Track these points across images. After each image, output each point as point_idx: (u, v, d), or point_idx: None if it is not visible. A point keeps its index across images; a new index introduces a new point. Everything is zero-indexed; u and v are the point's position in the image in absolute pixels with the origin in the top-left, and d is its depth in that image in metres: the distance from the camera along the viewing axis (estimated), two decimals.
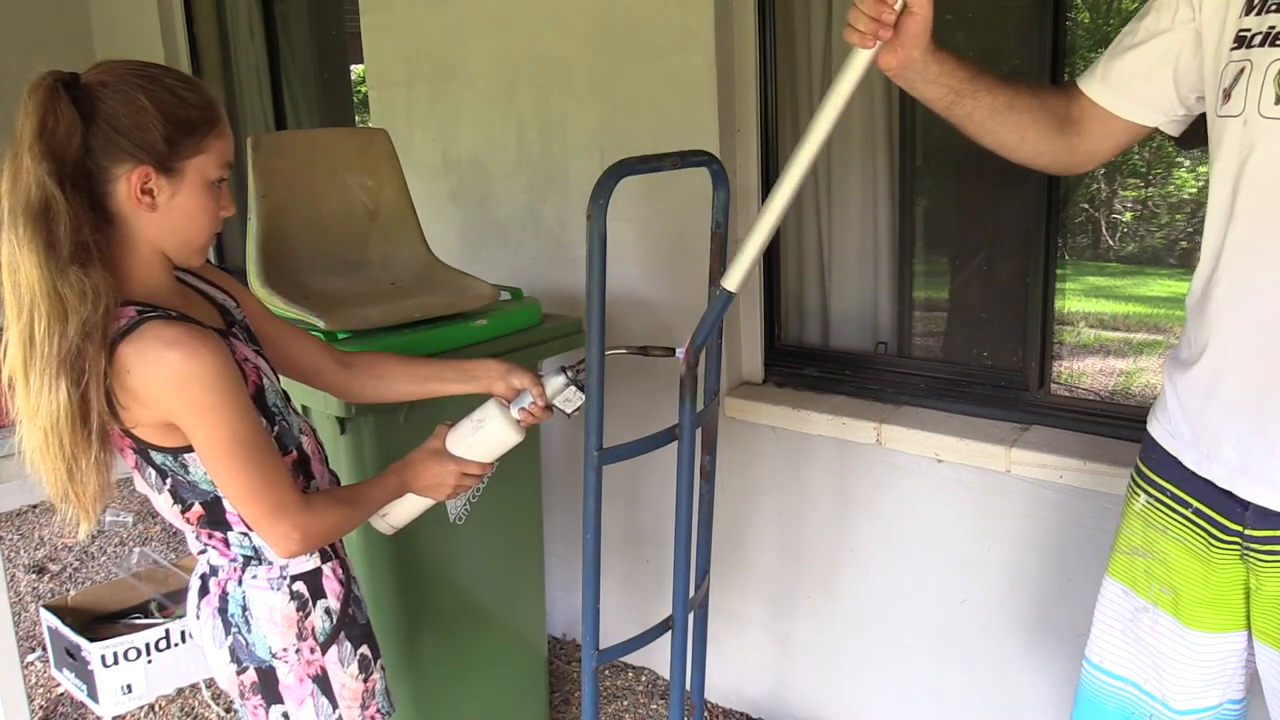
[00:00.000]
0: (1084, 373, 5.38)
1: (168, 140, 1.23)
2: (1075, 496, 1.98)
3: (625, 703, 2.72)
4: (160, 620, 2.83)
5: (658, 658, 2.72)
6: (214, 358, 1.23)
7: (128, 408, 1.23)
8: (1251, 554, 1.25)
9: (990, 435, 2.11)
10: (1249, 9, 1.19)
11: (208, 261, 1.45)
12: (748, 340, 2.53)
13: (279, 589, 1.41)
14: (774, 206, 1.33)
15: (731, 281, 1.41)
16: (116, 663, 2.67)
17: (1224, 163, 1.21)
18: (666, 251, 2.48)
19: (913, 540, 2.25)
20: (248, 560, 1.40)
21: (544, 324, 2.20)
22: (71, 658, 2.74)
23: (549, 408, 1.56)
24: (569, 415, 1.58)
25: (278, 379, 1.46)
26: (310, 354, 1.58)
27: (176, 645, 2.77)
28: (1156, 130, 1.39)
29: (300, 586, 1.42)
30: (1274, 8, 1.16)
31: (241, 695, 1.45)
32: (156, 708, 2.78)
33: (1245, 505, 1.23)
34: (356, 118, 4.50)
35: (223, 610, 1.42)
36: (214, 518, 1.36)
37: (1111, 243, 7.37)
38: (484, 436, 1.54)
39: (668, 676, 1.70)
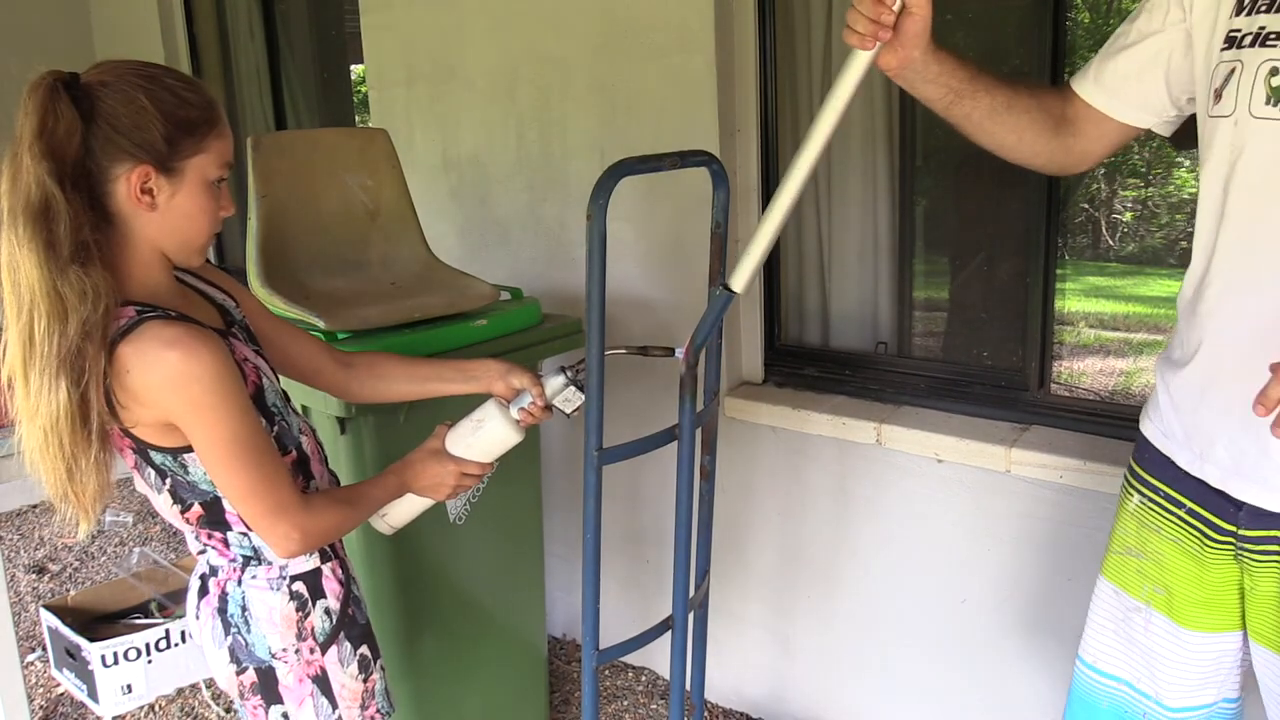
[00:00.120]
0: (1084, 373, 5.38)
1: (168, 140, 1.23)
2: (1075, 496, 1.98)
3: (625, 703, 2.72)
4: (160, 620, 2.83)
5: (658, 658, 2.72)
6: (213, 358, 1.23)
7: (127, 407, 1.23)
8: (1245, 554, 1.25)
9: (990, 435, 2.11)
10: (1239, 10, 1.19)
11: (207, 261, 1.45)
12: (748, 340, 2.53)
13: (278, 589, 1.41)
14: (778, 208, 1.33)
15: (737, 282, 1.41)
16: (116, 663, 2.67)
17: (1215, 163, 1.22)
18: (666, 251, 2.48)
19: (913, 540, 2.25)
20: (247, 560, 1.40)
21: (544, 324, 2.20)
22: (71, 658, 2.74)
23: (548, 408, 1.56)
24: (568, 415, 1.58)
25: (277, 379, 1.46)
26: (310, 354, 1.58)
27: (176, 645, 2.77)
28: (1149, 131, 1.39)
29: (300, 587, 1.42)
30: (1264, 8, 1.16)
31: (241, 695, 1.45)
32: (156, 708, 2.78)
33: (1238, 505, 1.24)
34: (356, 118, 4.50)
35: (222, 610, 1.41)
36: (213, 518, 1.36)
37: (1111, 243, 7.37)
38: (483, 436, 1.54)
39: (668, 676, 1.70)
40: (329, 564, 1.46)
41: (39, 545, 3.86)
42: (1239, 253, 1.20)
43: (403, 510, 1.58)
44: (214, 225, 1.33)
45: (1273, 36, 1.14)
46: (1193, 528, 1.31)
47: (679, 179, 2.17)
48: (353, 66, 4.42)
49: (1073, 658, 1.51)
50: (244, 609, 1.41)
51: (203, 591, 1.44)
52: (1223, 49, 1.20)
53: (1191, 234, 1.28)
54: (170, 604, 2.92)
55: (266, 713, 1.45)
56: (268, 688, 1.43)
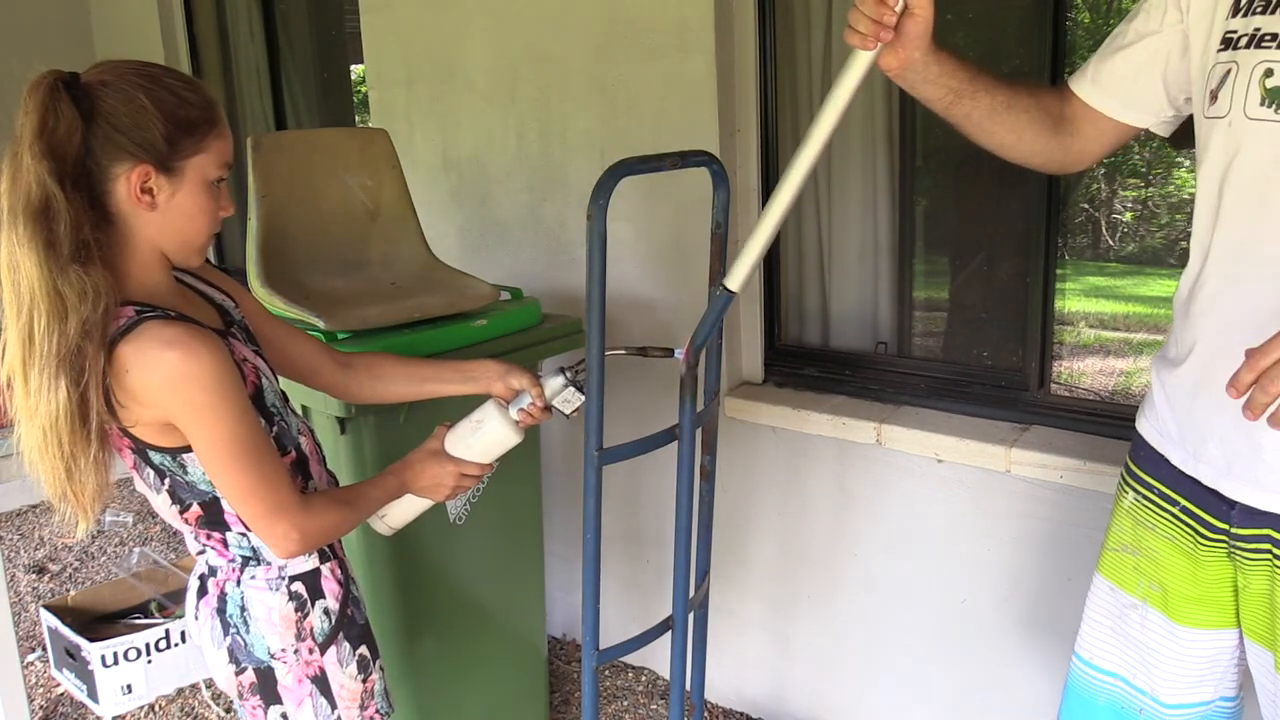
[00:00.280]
0: (1084, 373, 5.38)
1: (168, 139, 1.24)
2: (1075, 496, 1.98)
3: (625, 703, 2.72)
4: (160, 620, 2.83)
5: (658, 658, 2.72)
6: (212, 358, 1.23)
7: (126, 407, 1.23)
8: (1238, 552, 1.26)
9: (990, 435, 2.11)
10: (1235, 11, 1.20)
11: (207, 261, 1.45)
12: (748, 340, 2.53)
13: (277, 589, 1.41)
14: (776, 207, 1.33)
15: (734, 281, 1.41)
16: (116, 663, 2.67)
17: (1211, 164, 1.22)
18: (666, 251, 2.48)
19: (913, 540, 2.25)
20: (246, 561, 1.40)
21: (544, 324, 2.20)
22: (71, 658, 2.74)
23: (548, 408, 1.56)
24: (568, 416, 1.58)
25: (276, 379, 1.46)
26: (309, 354, 1.58)
27: (176, 645, 2.77)
28: (1148, 131, 1.40)
29: (299, 587, 1.42)
30: (1259, 10, 1.17)
31: (240, 696, 1.45)
32: (156, 708, 2.78)
33: (1231, 504, 1.24)
34: (356, 118, 4.50)
35: (221, 611, 1.41)
36: (212, 518, 1.36)
37: (1111, 243, 7.37)
38: (483, 437, 1.54)
39: (668, 676, 1.70)
40: (328, 564, 1.46)
41: (39, 545, 3.86)
42: (1233, 252, 1.21)
43: (402, 511, 1.58)
44: (213, 225, 1.33)
45: (1268, 38, 1.15)
46: (1187, 525, 1.31)
47: (679, 179, 2.17)
48: (353, 66, 4.42)
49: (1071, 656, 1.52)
50: (243, 609, 1.41)
51: (201, 592, 1.44)
52: (1219, 50, 1.20)
53: (1190, 234, 1.29)
54: (170, 604, 2.92)
55: (265, 713, 1.44)
56: (266, 688, 1.43)
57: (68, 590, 3.35)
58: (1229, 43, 1.19)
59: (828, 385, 2.43)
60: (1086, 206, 6.71)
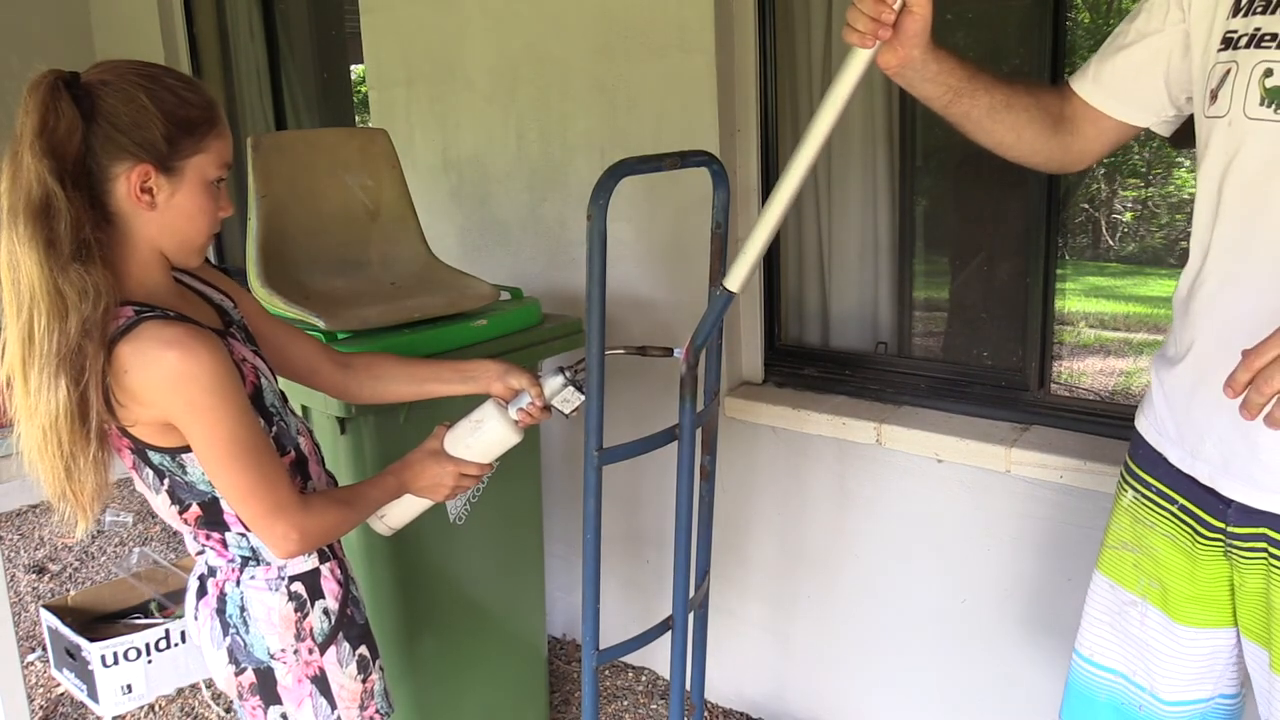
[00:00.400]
0: (1084, 373, 5.38)
1: (168, 139, 1.24)
2: (1075, 496, 1.98)
3: (625, 703, 2.72)
4: (160, 620, 2.83)
5: (658, 658, 2.72)
6: (212, 357, 1.23)
7: (126, 406, 1.23)
8: (1234, 551, 1.26)
9: (990, 435, 2.11)
10: (1235, 11, 1.20)
11: (206, 261, 1.45)
12: (748, 340, 2.53)
13: (277, 589, 1.41)
14: (775, 207, 1.33)
15: (733, 281, 1.41)
16: (116, 663, 2.67)
17: (1211, 163, 1.22)
18: (666, 251, 2.48)
19: (912, 540, 2.25)
20: (246, 561, 1.40)
21: (544, 324, 2.20)
22: (71, 658, 2.74)
23: (547, 408, 1.56)
24: (567, 416, 1.58)
25: (275, 379, 1.46)
26: (308, 354, 1.58)
27: (176, 645, 2.77)
28: (1148, 130, 1.40)
29: (298, 587, 1.42)
30: (1260, 10, 1.17)
31: (240, 696, 1.45)
32: (156, 708, 2.78)
33: (1227, 503, 1.25)
34: (356, 118, 4.50)
35: (221, 611, 1.41)
36: (211, 518, 1.36)
37: (1111, 243, 7.38)
38: (482, 437, 1.54)
39: (668, 676, 1.70)
40: (327, 564, 1.46)
41: (39, 545, 3.86)
42: (1233, 251, 1.21)
43: (401, 511, 1.58)
44: (213, 225, 1.33)
45: (1268, 38, 1.15)
46: (1184, 524, 1.32)
47: (679, 179, 2.17)
48: (353, 66, 4.42)
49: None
50: (242, 609, 1.41)
51: (201, 592, 1.44)
52: (1219, 50, 1.21)
53: (1190, 233, 1.29)
54: (170, 604, 2.92)
55: (265, 713, 1.44)
56: (266, 688, 1.43)
57: (68, 590, 3.35)
58: (1229, 42, 1.19)
59: (828, 385, 2.43)
60: (1086, 206, 6.72)
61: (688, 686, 1.73)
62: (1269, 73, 1.14)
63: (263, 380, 1.40)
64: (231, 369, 1.27)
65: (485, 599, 2.24)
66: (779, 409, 2.37)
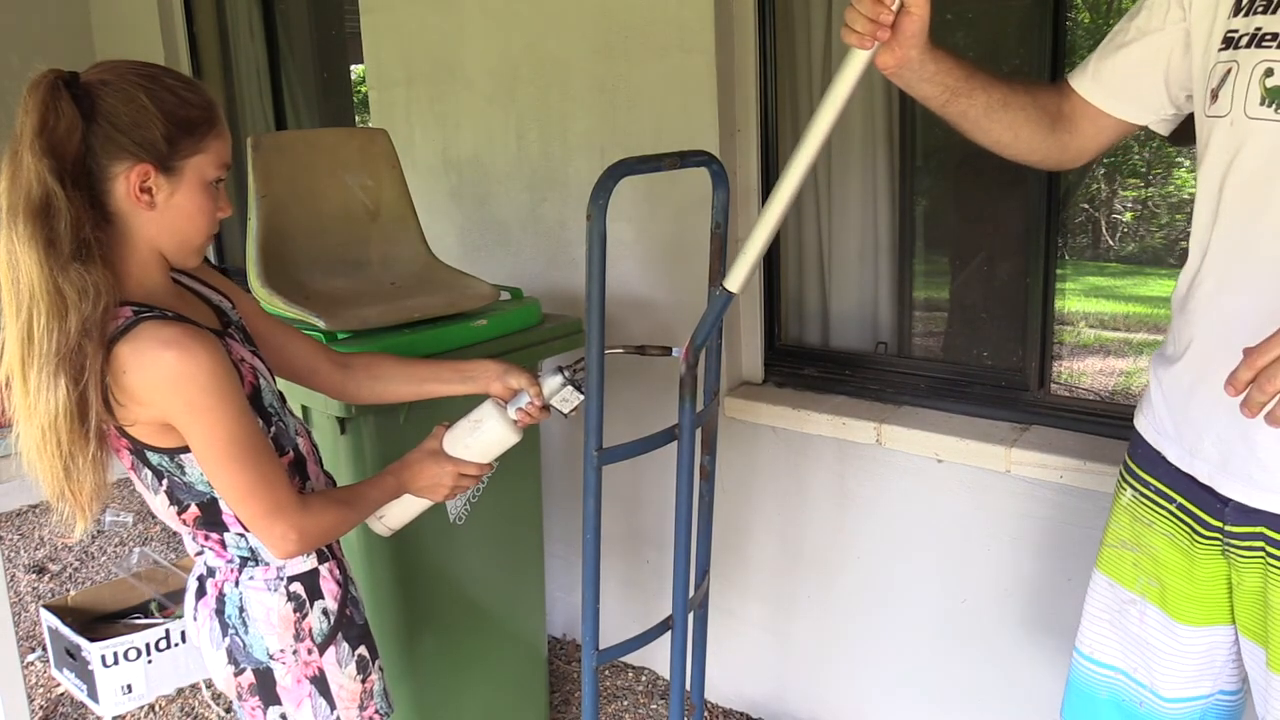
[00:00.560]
0: (1084, 373, 5.38)
1: (167, 139, 1.24)
2: (1075, 496, 1.98)
3: (625, 703, 2.72)
4: (160, 620, 2.83)
5: (658, 658, 2.72)
6: (210, 358, 1.23)
7: (125, 406, 1.23)
8: (1232, 550, 1.26)
9: (990, 435, 2.10)
10: (1236, 10, 1.20)
11: (206, 260, 1.45)
12: (748, 340, 2.53)
13: (276, 590, 1.41)
14: (775, 207, 1.33)
15: (733, 282, 1.41)
16: (116, 663, 2.67)
17: (1211, 162, 1.23)
18: (666, 251, 2.48)
19: (913, 540, 2.25)
20: (245, 561, 1.40)
21: (544, 324, 2.20)
22: (71, 658, 2.74)
23: (546, 408, 1.56)
24: (566, 415, 1.58)
25: (274, 380, 1.46)
26: (306, 355, 1.58)
27: (176, 645, 2.77)
28: (1145, 128, 1.40)
29: (297, 587, 1.42)
30: (1261, 9, 1.17)
31: (239, 697, 1.45)
32: (156, 708, 2.78)
33: (1225, 501, 1.25)
34: (356, 118, 4.50)
35: (220, 611, 1.41)
36: (210, 519, 1.36)
37: (1111, 243, 7.38)
38: (481, 437, 1.54)
39: (668, 676, 1.70)
40: (326, 565, 1.46)
41: (39, 545, 3.86)
42: (1232, 251, 1.21)
43: (400, 512, 1.58)
44: (212, 226, 1.33)
45: (1268, 37, 1.15)
46: (1183, 523, 1.32)
47: (679, 179, 2.17)
48: (353, 66, 4.42)
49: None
50: (241, 610, 1.41)
51: (200, 593, 1.44)
52: (1220, 49, 1.21)
53: (1190, 233, 1.29)
54: (170, 604, 2.92)
55: (265, 714, 1.44)
56: (266, 689, 1.43)
57: (68, 590, 3.35)
58: (1230, 42, 1.19)
59: (828, 385, 2.43)
60: (1086, 206, 6.72)
61: (688, 686, 1.73)
62: (1270, 72, 1.14)
63: (261, 380, 1.40)
64: (230, 369, 1.27)
65: (485, 599, 2.24)
66: (779, 409, 2.37)
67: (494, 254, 2.84)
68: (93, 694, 2.69)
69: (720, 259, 1.60)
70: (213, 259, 4.14)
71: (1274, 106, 1.13)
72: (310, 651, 1.43)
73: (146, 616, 2.89)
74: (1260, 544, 1.22)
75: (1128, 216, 7.30)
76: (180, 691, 2.83)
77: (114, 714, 2.72)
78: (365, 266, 2.17)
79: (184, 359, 1.21)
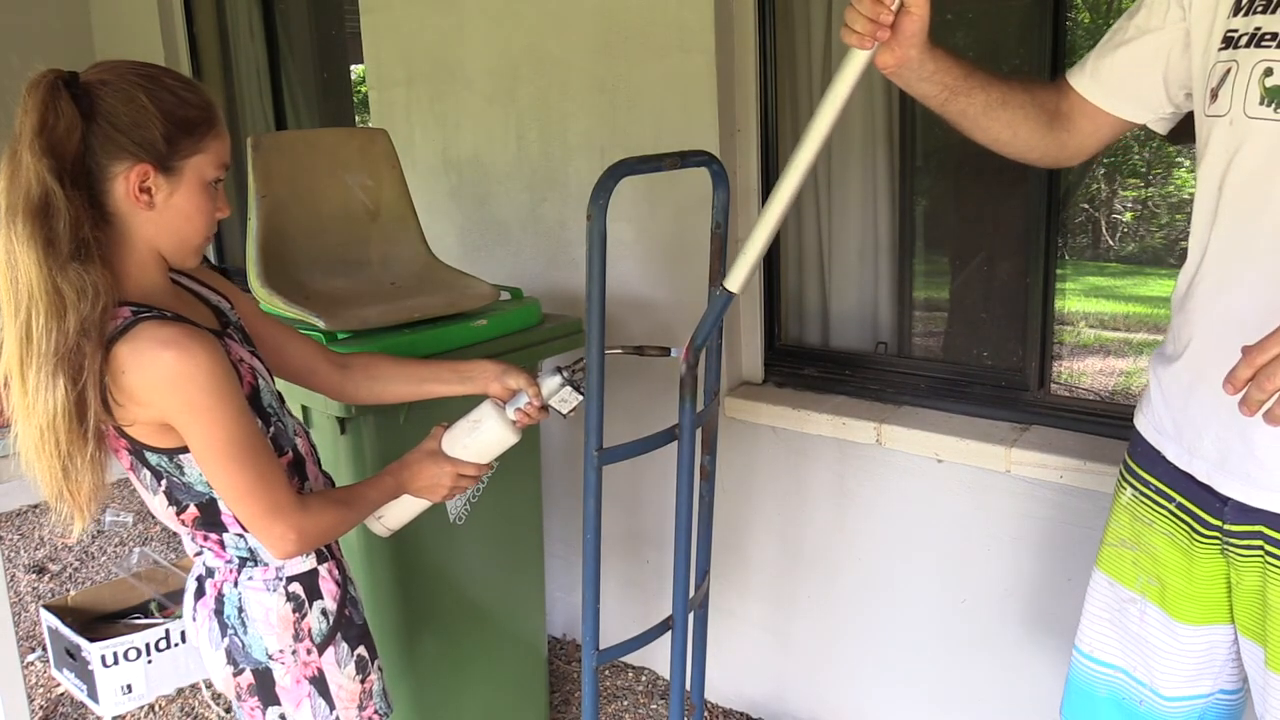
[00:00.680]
0: (1084, 373, 5.38)
1: (167, 139, 1.24)
2: (1075, 496, 1.98)
3: (625, 703, 2.72)
4: (160, 620, 2.83)
5: (658, 658, 2.72)
6: (209, 358, 1.23)
7: (123, 406, 1.23)
8: (1231, 549, 1.27)
9: (990, 435, 2.10)
10: (1236, 10, 1.20)
11: (205, 260, 1.45)
12: (748, 340, 2.53)
13: (275, 590, 1.41)
14: (775, 207, 1.33)
15: (733, 282, 1.41)
16: (116, 663, 2.67)
17: (1211, 162, 1.23)
18: (666, 251, 2.48)
19: (913, 540, 2.25)
20: (244, 562, 1.40)
21: (544, 324, 2.20)
22: (71, 658, 2.74)
23: (545, 408, 1.56)
24: (564, 416, 1.58)
25: (273, 380, 1.46)
26: (305, 355, 1.58)
27: (176, 645, 2.77)
28: (1144, 127, 1.40)
29: (296, 588, 1.42)
30: (1260, 9, 1.17)
31: (238, 697, 1.45)
32: (156, 708, 2.78)
33: (1224, 500, 1.25)
34: (356, 118, 4.50)
35: (219, 612, 1.41)
36: (209, 519, 1.36)
37: (1111, 243, 7.38)
38: (480, 437, 1.54)
39: (668, 676, 1.70)
40: (325, 565, 1.46)
41: (39, 545, 3.86)
42: (1231, 250, 1.22)
43: (399, 512, 1.58)
44: (210, 226, 1.33)
45: (1268, 37, 1.15)
46: (1182, 522, 1.32)
47: (679, 179, 2.17)
48: (353, 66, 4.41)
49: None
50: (240, 610, 1.41)
51: (199, 593, 1.44)
52: (1220, 49, 1.21)
53: (1190, 232, 1.29)
54: (170, 604, 2.92)
55: (264, 714, 1.44)
56: (265, 689, 1.43)
57: (68, 590, 3.35)
58: (1230, 41, 1.19)
59: (828, 385, 2.43)
60: (1086, 206, 6.72)
61: (688, 686, 1.73)
62: (1269, 72, 1.14)
63: (260, 381, 1.40)
64: (228, 369, 1.27)
65: (485, 599, 2.24)
66: (779, 409, 2.37)
67: (494, 254, 2.84)
68: (93, 694, 2.69)
69: (720, 259, 1.60)
70: (212, 259, 4.14)
71: (1273, 106, 1.13)
72: (309, 652, 1.43)
73: (146, 616, 2.89)
74: (1259, 543, 1.22)
75: (1128, 216, 7.31)
76: (180, 691, 2.83)
77: (114, 714, 2.72)
78: (365, 266, 2.17)
79: (183, 359, 1.21)
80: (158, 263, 1.31)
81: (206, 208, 1.30)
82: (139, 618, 2.88)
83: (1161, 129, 1.40)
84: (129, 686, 2.71)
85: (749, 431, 2.44)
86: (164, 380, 1.22)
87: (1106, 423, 2.04)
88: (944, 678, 2.28)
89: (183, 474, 1.32)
